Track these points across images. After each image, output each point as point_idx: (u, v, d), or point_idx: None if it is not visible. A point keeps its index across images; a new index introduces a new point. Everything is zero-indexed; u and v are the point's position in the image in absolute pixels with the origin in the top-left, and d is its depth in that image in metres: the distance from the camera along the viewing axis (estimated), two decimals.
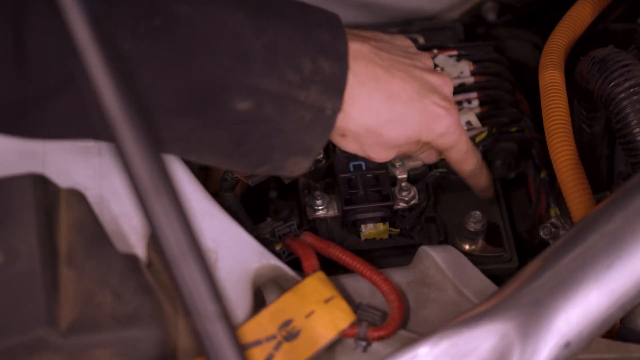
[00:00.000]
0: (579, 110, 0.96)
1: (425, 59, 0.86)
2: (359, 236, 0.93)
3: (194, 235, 0.55)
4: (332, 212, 0.93)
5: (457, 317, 0.71)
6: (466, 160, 0.89)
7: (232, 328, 0.56)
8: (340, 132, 0.80)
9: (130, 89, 0.54)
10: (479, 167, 0.92)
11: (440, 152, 0.89)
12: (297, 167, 0.78)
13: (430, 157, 0.91)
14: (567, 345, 0.69)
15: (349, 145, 0.82)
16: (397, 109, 0.80)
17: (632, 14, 0.95)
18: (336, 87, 0.75)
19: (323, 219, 0.93)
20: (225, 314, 0.56)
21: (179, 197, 0.55)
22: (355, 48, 0.79)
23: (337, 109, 0.76)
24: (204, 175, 1.04)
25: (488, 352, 0.69)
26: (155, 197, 0.54)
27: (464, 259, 0.86)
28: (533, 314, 0.69)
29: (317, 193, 0.93)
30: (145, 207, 0.54)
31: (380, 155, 0.83)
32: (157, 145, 0.55)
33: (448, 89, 0.85)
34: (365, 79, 0.78)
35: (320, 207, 0.93)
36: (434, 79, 0.84)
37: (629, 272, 0.70)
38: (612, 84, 0.84)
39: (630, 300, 0.71)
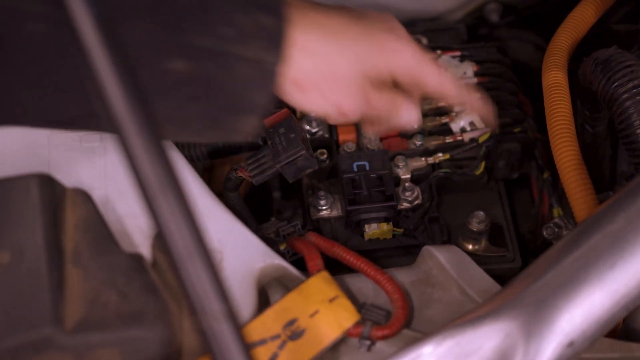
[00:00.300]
0: (582, 111, 0.96)
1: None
2: (362, 236, 0.93)
3: (200, 235, 0.55)
4: (336, 212, 0.93)
5: (461, 316, 0.71)
6: (443, 82, 0.83)
7: (238, 327, 0.56)
8: (298, 87, 0.77)
9: (137, 89, 0.55)
10: (463, 90, 0.85)
11: (417, 96, 0.84)
12: (248, 127, 0.75)
13: (409, 112, 0.84)
14: (570, 344, 0.69)
15: (312, 100, 0.78)
16: (344, 43, 0.78)
17: (635, 15, 0.95)
18: (275, 39, 0.73)
19: (327, 219, 0.94)
20: (231, 313, 0.56)
21: (186, 197, 0.55)
22: (299, 4, 0.77)
23: (276, 61, 0.74)
24: (208, 176, 1.04)
25: (492, 352, 0.69)
26: (162, 196, 0.54)
27: (468, 259, 0.86)
28: (536, 313, 0.70)
29: (321, 193, 0.93)
30: (152, 207, 0.55)
31: (347, 101, 0.79)
32: (163, 144, 0.55)
33: (402, 32, 0.82)
34: (310, 26, 0.77)
35: (324, 207, 0.93)
36: (373, 14, 0.82)
37: (632, 272, 0.70)
38: (616, 84, 0.85)
39: (633, 300, 0.71)
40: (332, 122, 0.85)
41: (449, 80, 0.83)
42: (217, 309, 0.55)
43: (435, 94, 0.83)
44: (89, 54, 0.54)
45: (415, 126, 0.86)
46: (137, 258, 0.73)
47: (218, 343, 0.56)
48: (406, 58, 0.80)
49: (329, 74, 0.77)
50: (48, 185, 0.72)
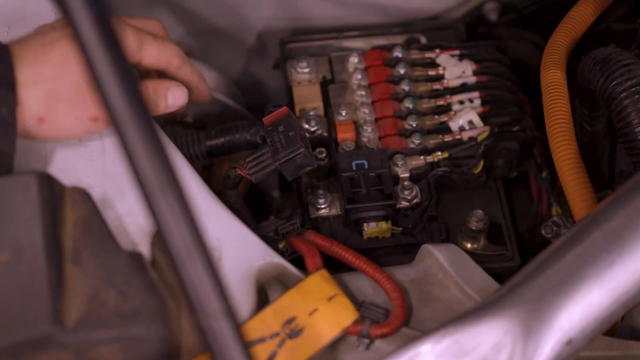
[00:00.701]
0: (581, 110, 0.96)
1: None
2: (361, 235, 0.93)
3: (200, 233, 0.55)
4: (335, 211, 0.94)
5: (460, 314, 0.71)
6: (164, 49, 0.83)
7: (237, 325, 0.56)
8: (42, 122, 0.76)
9: (135, 88, 0.55)
10: (181, 58, 0.85)
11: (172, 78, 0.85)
12: None
13: (175, 95, 0.85)
14: (569, 342, 0.69)
15: (60, 124, 0.78)
16: (56, 56, 0.77)
17: (634, 14, 0.95)
18: (4, 84, 0.73)
19: (326, 218, 0.94)
20: (230, 312, 0.56)
21: (185, 195, 0.55)
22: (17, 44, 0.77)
23: (12, 104, 0.73)
24: (207, 175, 1.04)
25: (490, 349, 0.69)
26: (161, 195, 0.55)
27: (467, 257, 0.86)
28: (535, 311, 0.70)
29: (320, 192, 0.93)
30: (151, 205, 0.55)
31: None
32: (163, 143, 0.55)
33: None
34: (26, 59, 0.76)
35: (323, 206, 0.93)
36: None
37: (631, 270, 0.71)
38: (614, 83, 0.85)
39: (632, 298, 0.71)
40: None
41: (170, 48, 0.84)
42: (216, 307, 0.56)
43: (157, 62, 0.84)
44: (88, 54, 0.54)
45: (183, 104, 0.86)
46: (137, 256, 0.73)
47: (217, 341, 0.56)
48: (127, 42, 0.80)
49: (63, 93, 0.77)
50: (47, 183, 0.72)
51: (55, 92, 0.76)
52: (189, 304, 0.56)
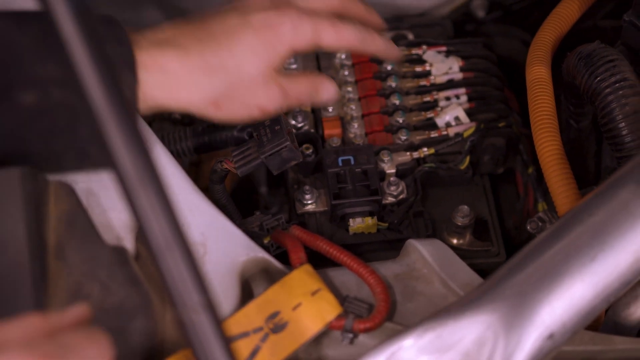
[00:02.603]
0: (566, 106, 0.97)
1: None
2: (347, 230, 0.93)
3: (179, 226, 0.56)
4: (321, 207, 0.94)
5: (442, 309, 0.71)
6: (343, 36, 0.84)
7: (218, 318, 0.56)
8: (216, 107, 0.79)
9: (115, 84, 0.55)
10: (362, 32, 0.85)
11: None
12: None
13: (328, 90, 0.86)
14: (550, 336, 0.70)
15: (233, 111, 0.81)
16: (235, 49, 0.79)
17: (621, 11, 0.96)
18: (126, 65, 0.74)
19: (312, 214, 0.94)
20: (210, 305, 0.56)
21: (165, 189, 0.55)
22: (167, 28, 0.79)
23: (133, 83, 0.74)
24: (195, 171, 1.05)
25: (472, 343, 0.70)
26: (141, 188, 0.55)
27: (451, 252, 0.87)
28: (517, 305, 0.70)
29: (306, 188, 0.94)
30: (131, 199, 0.55)
31: (265, 100, 0.81)
32: (143, 137, 0.56)
33: (266, 1, 0.83)
34: (189, 44, 0.78)
35: (309, 202, 0.94)
36: (249, 3, 0.83)
37: (612, 265, 0.71)
38: (598, 78, 0.85)
39: (614, 292, 0.71)
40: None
41: (346, 30, 0.84)
42: (196, 300, 0.56)
43: (336, 49, 0.85)
44: (69, 47, 0.54)
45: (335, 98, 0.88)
46: (120, 251, 0.73)
47: (197, 334, 0.56)
48: (303, 32, 0.81)
49: (238, 83, 0.79)
50: (31, 178, 0.72)
51: (234, 81, 0.79)
52: (169, 298, 0.56)
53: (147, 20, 1.19)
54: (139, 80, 0.76)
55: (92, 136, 0.72)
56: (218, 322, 0.56)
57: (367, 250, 0.94)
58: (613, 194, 0.73)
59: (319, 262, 0.83)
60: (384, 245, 0.94)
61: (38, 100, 0.71)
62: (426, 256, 0.84)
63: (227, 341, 0.57)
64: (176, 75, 0.77)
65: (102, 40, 0.55)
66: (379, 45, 0.87)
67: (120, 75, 0.70)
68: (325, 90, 0.86)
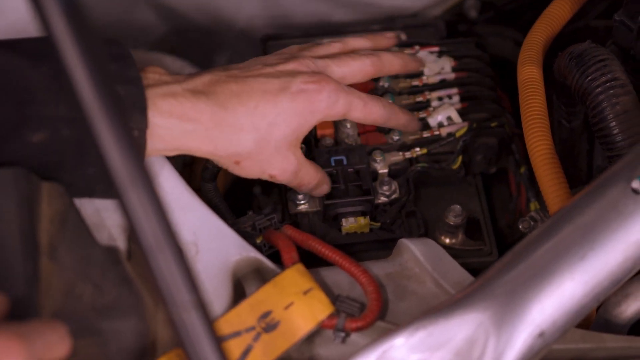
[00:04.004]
0: (558, 106, 0.97)
1: (285, 55, 0.89)
2: (340, 230, 0.94)
3: (170, 226, 0.56)
4: (314, 207, 0.94)
5: (434, 307, 0.72)
6: (371, 112, 0.89)
7: (209, 317, 0.57)
8: (234, 160, 0.82)
9: (106, 85, 0.55)
10: (388, 110, 0.91)
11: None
12: None
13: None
14: (541, 334, 0.70)
15: (249, 170, 0.84)
16: (269, 111, 0.82)
17: (614, 11, 0.96)
18: (137, 107, 0.75)
19: (305, 214, 0.94)
20: (201, 304, 0.57)
21: (155, 188, 0.56)
22: (205, 78, 0.81)
23: (143, 127, 0.76)
24: (189, 171, 1.05)
25: (464, 342, 0.70)
26: (132, 188, 0.55)
27: (443, 252, 0.87)
28: (508, 303, 0.70)
29: None
30: (122, 198, 0.55)
31: (279, 169, 0.85)
32: (133, 139, 0.56)
33: (308, 65, 0.86)
34: (225, 99, 0.80)
35: (301, 202, 0.94)
36: (290, 65, 0.86)
37: (602, 263, 0.71)
38: (589, 78, 0.85)
39: (604, 290, 0.72)
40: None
41: (375, 109, 0.89)
42: (187, 299, 0.56)
43: (362, 122, 0.90)
44: (59, 46, 0.55)
45: None
46: (113, 251, 0.74)
47: (188, 333, 0.56)
48: (337, 106, 0.85)
49: (264, 145, 0.83)
50: (24, 179, 0.72)
51: (261, 145, 0.82)
52: (160, 297, 0.56)
53: (139, 22, 1.20)
54: (167, 127, 0.78)
55: (99, 173, 0.74)
56: (209, 321, 0.57)
57: (359, 249, 0.94)
58: (603, 193, 0.74)
59: (311, 261, 0.84)
60: (377, 245, 0.95)
61: (48, 137, 0.73)
62: (418, 255, 0.84)
63: (218, 340, 0.57)
64: (206, 128, 0.79)
65: (92, 41, 0.56)
66: (401, 120, 0.93)
67: (128, 113, 0.74)
68: (320, 190, 0.91)
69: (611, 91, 0.84)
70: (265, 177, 0.85)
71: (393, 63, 0.94)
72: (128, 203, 0.55)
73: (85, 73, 0.55)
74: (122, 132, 0.55)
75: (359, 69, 0.90)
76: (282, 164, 0.84)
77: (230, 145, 0.81)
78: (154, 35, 1.22)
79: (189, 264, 0.56)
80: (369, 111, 0.88)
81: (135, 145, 0.64)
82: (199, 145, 0.80)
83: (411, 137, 0.98)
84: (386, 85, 1.01)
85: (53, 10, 0.54)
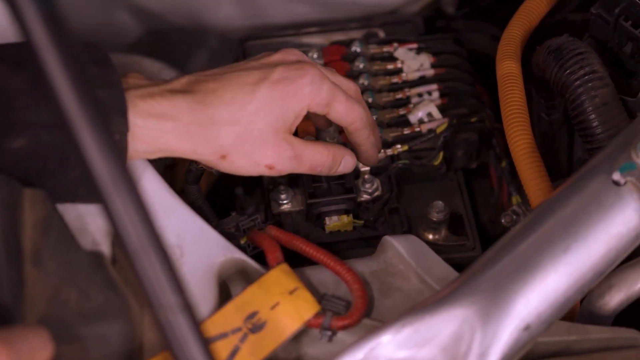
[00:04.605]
0: (538, 100, 0.97)
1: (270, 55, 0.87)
2: (323, 229, 0.94)
3: (155, 228, 0.56)
4: (297, 206, 0.94)
5: (419, 303, 0.72)
6: (352, 109, 0.85)
7: (195, 319, 0.57)
8: (223, 159, 0.81)
9: (86, 89, 0.55)
10: (368, 117, 0.88)
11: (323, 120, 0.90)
12: None
13: (347, 162, 0.89)
14: (526, 327, 0.70)
15: (239, 164, 0.82)
16: (247, 101, 0.81)
17: (589, 5, 0.97)
18: (117, 110, 0.75)
19: (288, 213, 0.94)
20: (187, 306, 0.57)
21: (138, 192, 0.56)
22: (184, 79, 0.81)
23: (124, 130, 0.75)
24: (170, 174, 1.05)
25: (450, 337, 0.70)
26: (115, 192, 0.55)
27: (426, 248, 0.87)
28: (493, 298, 0.71)
29: (282, 187, 0.94)
30: (106, 202, 0.55)
31: (274, 158, 0.82)
32: (115, 142, 0.56)
33: (293, 56, 0.85)
34: (202, 96, 0.80)
35: (284, 202, 0.94)
36: (275, 57, 0.85)
37: (585, 255, 0.72)
38: (567, 71, 0.86)
39: (588, 282, 0.72)
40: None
41: (357, 108, 0.86)
42: (173, 301, 0.56)
43: (341, 121, 0.86)
44: (38, 52, 0.54)
45: (350, 171, 0.91)
46: (97, 255, 0.73)
47: (175, 335, 0.56)
48: (320, 91, 0.83)
49: (249, 138, 0.81)
50: (5, 185, 0.72)
51: (243, 135, 0.81)
52: (146, 299, 0.56)
53: (115, 24, 1.19)
54: (147, 127, 0.77)
55: (81, 177, 0.74)
56: (196, 322, 0.57)
57: (343, 248, 0.94)
58: (584, 186, 0.74)
59: (296, 261, 0.84)
60: (360, 243, 0.95)
61: (28, 143, 0.73)
62: (402, 252, 0.85)
63: (206, 342, 0.57)
64: (184, 125, 0.79)
65: (71, 43, 0.55)
66: (373, 141, 0.90)
67: (109, 117, 0.72)
68: (344, 165, 0.88)
69: (590, 84, 0.85)
70: (262, 170, 0.83)
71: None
72: (112, 207, 0.55)
73: (65, 78, 0.54)
74: (103, 136, 0.55)
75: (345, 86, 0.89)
76: (275, 152, 0.82)
77: (210, 140, 0.80)
78: (131, 37, 1.22)
79: (175, 267, 0.56)
80: (350, 107, 0.85)
81: (117, 148, 0.64)
82: (179, 144, 0.79)
83: (392, 134, 0.98)
84: (366, 82, 1.01)
85: (31, 15, 0.54)
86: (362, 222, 0.94)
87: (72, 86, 0.55)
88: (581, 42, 0.89)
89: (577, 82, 0.85)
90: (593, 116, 0.85)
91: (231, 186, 1.07)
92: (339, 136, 0.98)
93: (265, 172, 0.83)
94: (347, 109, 0.85)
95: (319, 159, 0.85)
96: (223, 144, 0.80)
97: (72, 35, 0.56)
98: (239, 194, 1.06)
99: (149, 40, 1.21)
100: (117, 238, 0.56)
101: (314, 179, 0.93)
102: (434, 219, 0.94)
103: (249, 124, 0.80)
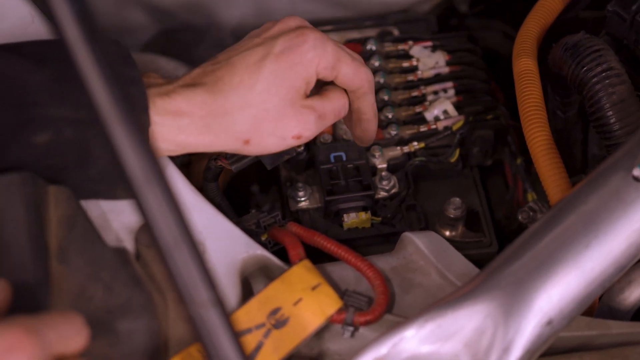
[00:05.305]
0: (553, 97, 0.98)
1: (275, 24, 0.85)
2: (341, 226, 0.94)
3: (186, 224, 0.56)
4: (315, 203, 0.95)
5: (442, 299, 0.72)
6: (359, 71, 0.83)
7: (226, 314, 0.57)
8: (242, 141, 0.80)
9: (118, 86, 0.56)
10: (372, 81, 0.86)
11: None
12: (127, 194, 0.77)
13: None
14: (549, 322, 0.71)
15: (265, 143, 0.81)
16: (255, 81, 0.80)
17: (601, 2, 0.97)
18: (139, 107, 0.75)
19: (305, 210, 0.95)
20: (219, 301, 0.57)
21: (170, 188, 0.56)
22: (194, 72, 0.81)
23: (145, 127, 0.75)
24: (185, 172, 1.05)
25: (473, 332, 0.71)
26: (148, 188, 0.55)
27: (446, 244, 0.88)
28: (515, 293, 0.71)
29: (300, 185, 0.95)
30: (138, 198, 0.56)
31: (300, 127, 0.81)
32: (147, 138, 0.56)
33: (293, 22, 0.84)
34: (212, 86, 0.80)
35: (302, 199, 0.95)
36: (275, 28, 0.83)
37: (606, 251, 0.72)
38: (585, 68, 0.86)
39: (609, 277, 0.72)
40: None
41: (364, 69, 0.84)
42: (205, 297, 0.57)
43: (349, 85, 0.84)
44: (72, 51, 0.55)
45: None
46: (122, 252, 0.74)
47: (207, 330, 0.57)
48: (325, 53, 0.81)
49: (264, 116, 0.80)
50: (30, 183, 0.72)
51: (260, 115, 0.80)
52: (178, 295, 0.57)
53: (129, 23, 1.20)
54: (166, 125, 0.77)
55: (103, 174, 0.74)
56: (227, 317, 0.57)
57: (361, 244, 0.95)
58: (604, 182, 0.75)
59: (315, 258, 0.84)
60: (378, 239, 0.95)
61: (51, 138, 0.73)
62: (422, 248, 0.85)
63: (237, 335, 0.57)
64: (200, 118, 0.79)
65: (103, 42, 0.56)
66: (376, 111, 0.87)
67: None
68: (365, 100, 0.85)
69: (607, 81, 0.85)
70: (290, 142, 0.81)
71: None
72: (144, 202, 0.56)
73: (98, 75, 0.55)
74: (136, 131, 0.55)
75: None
76: (298, 121, 0.81)
77: (228, 129, 0.79)
78: (145, 36, 1.22)
79: (206, 262, 0.57)
80: (358, 68, 0.83)
81: (150, 143, 0.64)
82: (199, 138, 0.79)
83: (409, 132, 0.99)
84: (382, 80, 1.02)
85: (65, 14, 0.54)
86: (379, 219, 0.95)
87: (104, 83, 0.55)
88: (598, 39, 0.89)
89: (595, 79, 0.86)
90: (610, 113, 0.85)
91: (246, 184, 1.07)
92: None
93: (294, 143, 0.82)
94: (354, 70, 0.83)
95: (339, 104, 0.84)
96: (242, 129, 0.80)
97: (101, 32, 0.56)
98: (254, 192, 1.07)
99: (161, 40, 1.22)
100: (149, 233, 0.56)
101: (331, 176, 0.94)
102: (451, 216, 0.94)
103: (263, 103, 0.80)
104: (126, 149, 0.55)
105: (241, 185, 1.07)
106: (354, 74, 0.83)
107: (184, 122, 0.78)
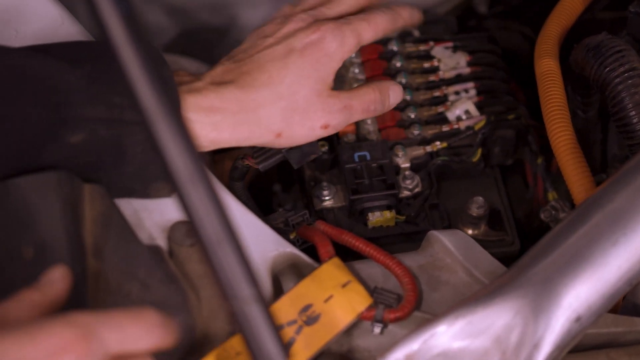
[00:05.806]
0: (574, 97, 0.99)
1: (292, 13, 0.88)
2: (365, 224, 0.95)
3: (229, 221, 0.58)
4: (339, 202, 0.96)
5: (471, 296, 0.73)
6: (377, 26, 0.87)
7: (267, 309, 0.59)
8: (274, 134, 0.83)
9: (161, 84, 0.57)
10: (390, 14, 0.89)
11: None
12: (161, 192, 0.79)
13: (395, 92, 0.90)
14: (578, 319, 0.72)
15: (297, 135, 0.84)
16: (283, 75, 0.82)
17: (620, 3, 0.98)
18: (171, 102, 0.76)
19: (330, 209, 0.96)
20: (260, 297, 0.58)
21: (212, 185, 0.57)
22: (219, 69, 0.83)
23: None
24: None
25: (503, 329, 0.72)
26: (191, 186, 0.56)
27: (472, 242, 0.89)
28: (545, 290, 0.72)
29: (324, 184, 0.96)
30: (183, 197, 0.57)
31: (327, 118, 0.84)
32: (191, 138, 0.57)
33: (303, 22, 0.86)
34: (242, 82, 0.81)
35: (327, 198, 0.95)
36: (287, 28, 0.86)
37: (634, 248, 0.73)
38: (608, 69, 0.87)
39: (636, 274, 0.73)
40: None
41: (379, 19, 0.87)
42: (247, 292, 0.58)
43: (375, 37, 0.88)
44: (118, 51, 0.56)
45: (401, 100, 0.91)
46: (156, 249, 0.75)
47: (249, 325, 0.58)
48: (346, 40, 0.84)
49: (294, 108, 0.82)
50: (66, 182, 0.73)
51: (290, 108, 0.82)
52: (221, 291, 0.58)
53: (150, 24, 1.21)
54: (199, 121, 0.79)
55: (137, 172, 0.75)
56: (268, 313, 0.59)
57: (385, 243, 0.95)
58: (630, 180, 0.76)
59: (340, 256, 0.85)
60: (401, 238, 0.96)
61: (86, 138, 0.74)
62: (449, 246, 0.86)
63: (277, 330, 0.59)
64: (232, 114, 0.81)
65: (148, 41, 0.57)
66: (406, 17, 0.91)
67: None
68: (392, 96, 0.89)
69: (630, 81, 0.86)
70: (319, 133, 0.84)
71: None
72: (188, 199, 0.57)
73: (144, 76, 0.56)
74: (181, 129, 0.56)
75: (349, 7, 0.90)
76: (325, 110, 0.84)
77: (261, 123, 0.82)
78: (166, 37, 1.23)
79: (248, 259, 0.58)
80: (375, 27, 0.86)
81: (193, 141, 0.65)
82: (233, 133, 0.81)
83: (431, 132, 1.00)
84: (404, 81, 1.03)
85: (111, 15, 0.55)
86: (403, 217, 0.96)
87: (150, 83, 0.56)
88: (620, 39, 0.90)
89: (617, 80, 0.87)
90: (633, 113, 0.86)
91: (268, 184, 1.08)
92: (379, 133, 0.99)
93: (324, 134, 0.84)
94: (374, 31, 0.86)
95: (368, 98, 0.87)
96: (274, 122, 0.82)
97: (145, 33, 0.57)
98: (276, 191, 1.08)
99: (182, 41, 1.23)
100: (193, 230, 0.57)
101: (356, 175, 0.95)
102: (474, 215, 0.95)
103: (292, 95, 0.82)
104: (171, 147, 0.56)
105: (263, 184, 1.08)
106: (376, 33, 0.87)
107: (217, 118, 0.79)
